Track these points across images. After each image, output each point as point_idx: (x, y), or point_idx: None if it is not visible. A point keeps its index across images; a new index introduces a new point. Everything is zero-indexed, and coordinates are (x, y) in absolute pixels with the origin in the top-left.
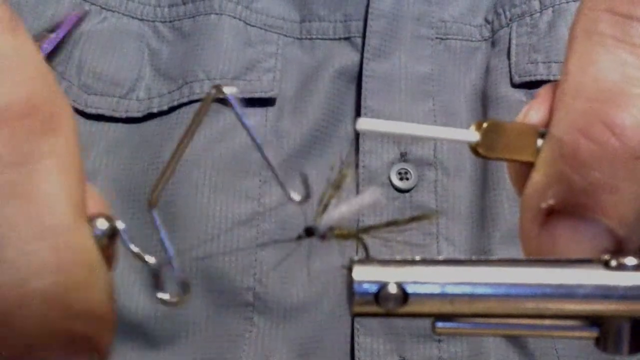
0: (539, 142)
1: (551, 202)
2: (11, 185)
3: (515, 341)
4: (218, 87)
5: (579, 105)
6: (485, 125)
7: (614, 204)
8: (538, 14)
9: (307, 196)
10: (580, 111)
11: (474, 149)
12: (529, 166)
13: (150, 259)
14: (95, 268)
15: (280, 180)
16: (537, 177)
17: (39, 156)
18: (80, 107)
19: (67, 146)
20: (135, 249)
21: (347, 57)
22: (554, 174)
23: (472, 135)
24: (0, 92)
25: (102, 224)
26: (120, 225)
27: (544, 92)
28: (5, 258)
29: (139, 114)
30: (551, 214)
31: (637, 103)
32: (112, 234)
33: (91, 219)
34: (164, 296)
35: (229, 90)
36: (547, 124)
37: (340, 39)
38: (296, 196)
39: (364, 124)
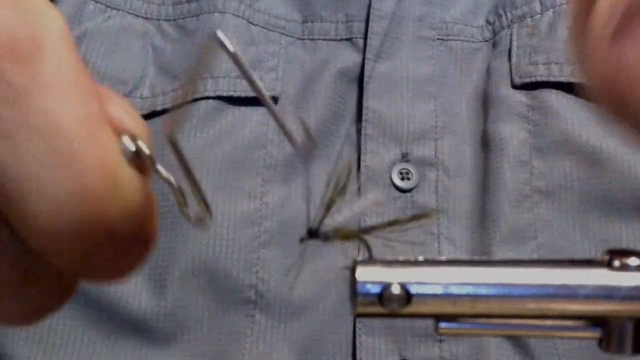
0: None
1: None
2: (12, 120)
3: (516, 341)
4: (213, 35)
5: None
6: None
7: None
8: (539, 16)
9: (311, 145)
10: None
11: None
12: None
13: (174, 182)
14: (119, 176)
15: (282, 124)
16: None
17: (31, 82)
18: None
19: (59, 62)
20: (163, 170)
21: (348, 57)
22: None
23: None
24: None
25: (127, 142)
26: (145, 148)
27: None
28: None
29: (143, 112)
30: (620, 32)
31: None
32: (138, 152)
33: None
34: (190, 215)
35: (221, 36)
36: None
37: (342, 39)
38: (299, 143)
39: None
